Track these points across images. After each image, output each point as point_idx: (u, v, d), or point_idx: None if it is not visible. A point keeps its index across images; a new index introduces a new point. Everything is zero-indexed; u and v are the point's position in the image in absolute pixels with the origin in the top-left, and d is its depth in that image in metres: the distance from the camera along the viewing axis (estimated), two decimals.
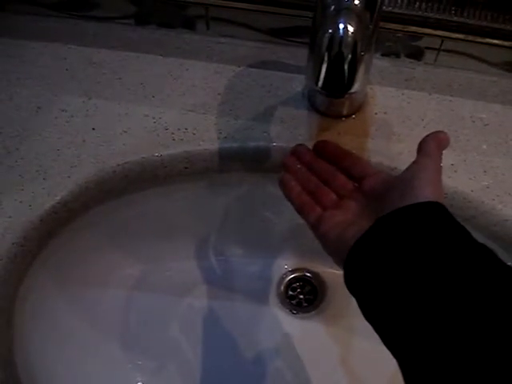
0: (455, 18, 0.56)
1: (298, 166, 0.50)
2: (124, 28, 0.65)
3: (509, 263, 0.34)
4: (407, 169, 0.41)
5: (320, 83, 0.42)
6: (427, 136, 0.42)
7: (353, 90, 0.43)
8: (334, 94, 0.44)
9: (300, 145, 0.51)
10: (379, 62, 0.61)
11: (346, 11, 0.42)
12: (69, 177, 0.52)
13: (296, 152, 0.51)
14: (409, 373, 0.33)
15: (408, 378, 0.33)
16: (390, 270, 0.35)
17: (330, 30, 0.42)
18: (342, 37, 0.41)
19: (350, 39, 0.41)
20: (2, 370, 0.47)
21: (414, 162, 0.41)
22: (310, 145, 0.52)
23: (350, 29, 0.42)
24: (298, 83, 0.59)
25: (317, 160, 0.50)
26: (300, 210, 0.47)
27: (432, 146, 0.42)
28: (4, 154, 0.54)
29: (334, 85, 0.42)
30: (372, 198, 0.44)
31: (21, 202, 0.51)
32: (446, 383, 0.31)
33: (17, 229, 0.49)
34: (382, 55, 0.62)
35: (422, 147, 0.42)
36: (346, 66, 0.42)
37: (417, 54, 0.61)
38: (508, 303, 0.31)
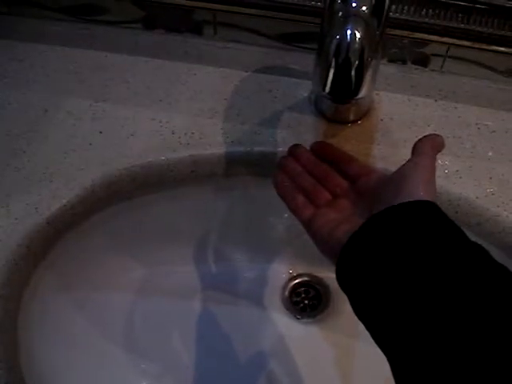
0: (462, 25, 0.56)
1: (294, 165, 0.50)
2: (132, 32, 0.65)
3: None
4: (401, 167, 0.42)
5: (327, 89, 0.43)
6: (423, 137, 0.43)
7: (359, 96, 0.43)
8: (340, 100, 0.44)
9: (297, 145, 0.52)
10: (386, 68, 0.61)
11: (354, 17, 0.43)
12: (75, 180, 0.53)
13: (293, 152, 0.51)
14: (398, 370, 0.33)
15: (397, 376, 0.33)
16: (381, 268, 0.35)
17: (338, 36, 0.42)
18: (349, 43, 0.41)
19: (357, 45, 0.41)
20: (7, 372, 0.47)
21: (408, 161, 0.42)
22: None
23: (358, 35, 0.42)
24: (304, 89, 0.60)
25: (313, 160, 0.50)
26: (293, 209, 0.47)
27: (427, 146, 0.42)
28: (11, 156, 0.54)
29: (341, 90, 0.43)
30: (366, 197, 0.44)
31: (27, 204, 0.51)
32: (435, 380, 0.31)
33: (23, 231, 0.50)
34: (389, 61, 0.62)
35: (416, 147, 0.42)
36: (353, 72, 0.42)
37: (423, 61, 0.61)
38: (499, 301, 0.31)
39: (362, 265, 0.36)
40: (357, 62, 0.42)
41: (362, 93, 0.43)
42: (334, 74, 0.42)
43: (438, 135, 0.43)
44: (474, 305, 0.31)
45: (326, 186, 0.48)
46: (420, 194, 0.38)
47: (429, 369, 0.31)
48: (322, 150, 0.51)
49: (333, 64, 0.42)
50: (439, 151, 0.43)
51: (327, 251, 0.42)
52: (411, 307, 0.33)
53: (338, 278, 0.39)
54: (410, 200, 0.37)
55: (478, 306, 0.31)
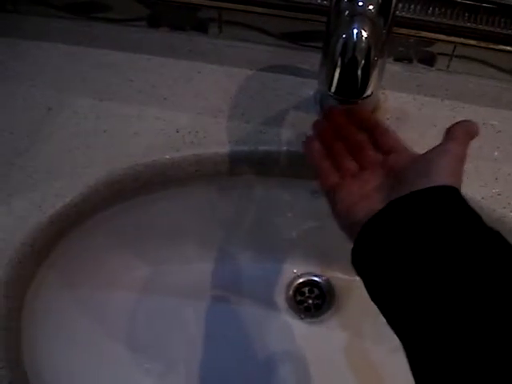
0: (468, 24, 0.56)
1: (326, 130, 0.48)
2: (136, 30, 0.65)
3: None
4: (430, 150, 0.41)
5: (333, 89, 0.42)
6: (456, 123, 0.42)
7: (365, 95, 0.43)
8: (346, 100, 0.44)
9: (332, 108, 0.50)
10: (392, 67, 0.61)
11: (360, 16, 0.42)
12: (79, 178, 0.52)
13: (328, 115, 0.49)
14: (413, 355, 0.33)
15: (412, 360, 0.33)
16: (398, 253, 0.35)
17: (344, 35, 0.42)
18: (355, 42, 0.41)
19: (363, 44, 0.41)
20: (10, 370, 0.47)
21: (439, 145, 0.41)
22: None
23: (364, 34, 0.42)
24: (309, 88, 0.59)
25: (348, 126, 0.48)
26: (318, 173, 0.46)
27: (459, 132, 0.41)
28: (15, 154, 0.54)
29: (347, 90, 0.42)
30: (392, 174, 0.43)
31: (31, 202, 0.51)
32: (450, 365, 0.31)
33: (26, 229, 0.50)
34: (395, 60, 0.62)
35: (450, 132, 0.41)
36: (359, 72, 0.42)
37: (429, 60, 0.61)
38: None
39: (379, 250, 0.36)
40: (363, 62, 0.41)
41: (368, 92, 0.43)
42: (340, 73, 0.42)
43: (473, 122, 0.42)
44: (490, 292, 0.31)
45: (356, 155, 0.46)
46: (444, 180, 0.37)
47: (444, 353, 0.31)
48: (357, 116, 0.49)
49: (339, 63, 0.42)
50: (472, 138, 0.42)
51: (346, 227, 0.42)
52: (426, 293, 0.33)
53: (354, 261, 0.39)
54: (432, 185, 0.37)
55: (495, 293, 0.31)
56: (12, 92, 0.59)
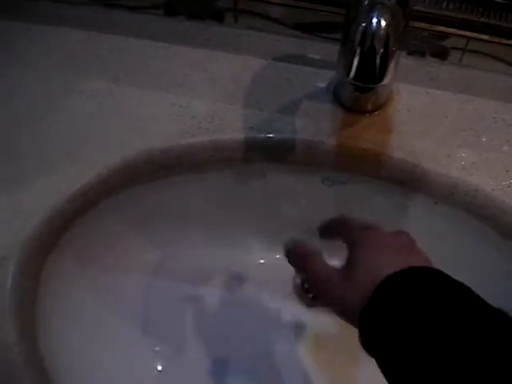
0: (481, 19, 0.57)
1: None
2: (153, 18, 0.66)
3: None
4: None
5: (352, 74, 0.43)
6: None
7: (383, 83, 0.44)
8: (364, 87, 0.45)
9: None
10: (404, 60, 0.61)
11: (380, 6, 0.43)
12: (96, 160, 0.53)
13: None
14: None
15: None
16: (407, 331, 0.35)
17: (364, 24, 0.43)
18: (375, 30, 0.42)
19: (382, 32, 0.42)
20: (25, 348, 0.48)
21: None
22: (333, 139, 0.54)
23: (383, 23, 0.43)
24: (323, 78, 0.60)
25: None
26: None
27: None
28: (34, 136, 0.55)
29: (366, 76, 0.43)
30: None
31: (49, 182, 0.52)
32: None
33: (44, 208, 0.50)
34: (408, 54, 0.62)
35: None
36: (377, 59, 0.42)
37: (442, 54, 0.62)
38: None
39: (387, 331, 0.36)
40: (382, 50, 0.42)
41: (386, 80, 0.44)
42: (359, 60, 0.43)
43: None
44: (499, 371, 0.31)
45: None
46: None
47: None
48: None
49: (358, 51, 0.43)
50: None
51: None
52: (443, 372, 0.32)
53: (364, 344, 0.38)
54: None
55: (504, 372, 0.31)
56: (29, 76, 0.60)
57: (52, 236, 0.52)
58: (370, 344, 0.38)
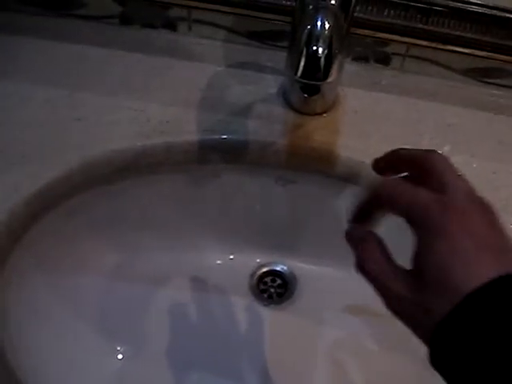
0: (420, 25, 0.61)
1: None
2: (109, 27, 0.68)
3: None
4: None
5: (299, 73, 0.46)
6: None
7: (329, 80, 0.47)
8: (311, 85, 0.48)
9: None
10: (349, 66, 0.65)
11: (324, 10, 0.47)
12: (54, 163, 0.54)
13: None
14: None
15: None
16: (494, 359, 0.30)
17: (309, 26, 0.46)
18: (319, 31, 0.45)
19: (326, 33, 0.45)
20: None
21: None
22: (284, 139, 0.56)
23: (327, 25, 0.46)
24: (274, 83, 0.63)
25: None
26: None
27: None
28: None
29: (312, 74, 0.46)
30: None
31: (5, 185, 0.52)
32: None
33: (1, 210, 0.51)
34: (353, 60, 0.66)
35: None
36: (322, 58, 0.46)
37: (384, 60, 0.65)
38: None
39: (462, 349, 0.31)
40: (326, 49, 0.46)
41: (331, 78, 0.47)
42: (305, 59, 0.45)
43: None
44: None
45: None
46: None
47: None
48: None
49: (304, 51, 0.46)
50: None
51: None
52: None
53: (433, 362, 0.33)
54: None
55: None
56: None
57: (10, 239, 0.53)
58: (442, 364, 0.32)
